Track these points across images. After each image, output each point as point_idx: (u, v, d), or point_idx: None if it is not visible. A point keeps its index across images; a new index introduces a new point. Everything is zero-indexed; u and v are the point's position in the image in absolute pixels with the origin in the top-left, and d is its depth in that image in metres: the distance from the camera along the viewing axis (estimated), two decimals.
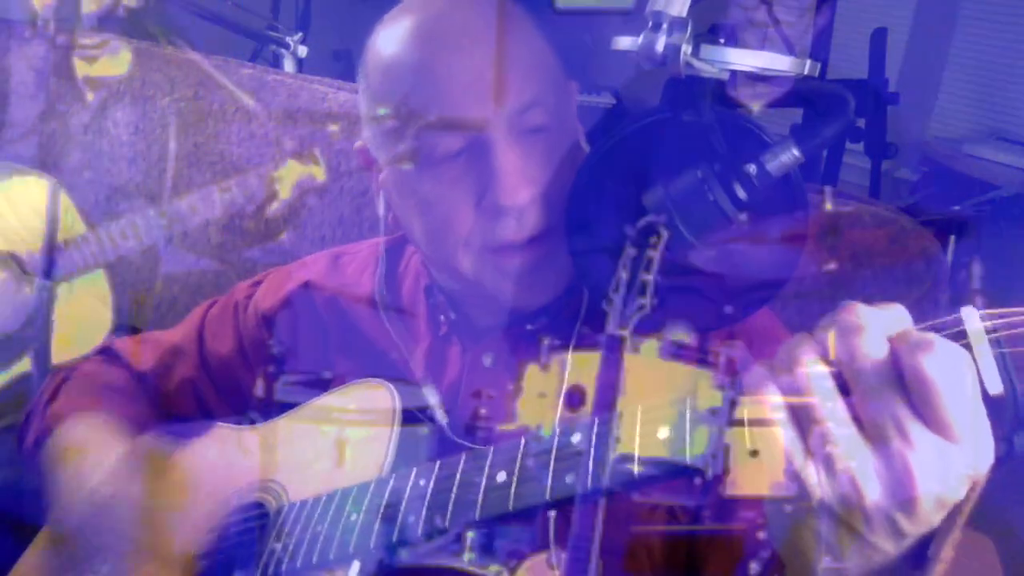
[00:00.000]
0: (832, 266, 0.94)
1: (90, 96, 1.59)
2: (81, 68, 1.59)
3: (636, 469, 0.55)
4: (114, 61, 1.61)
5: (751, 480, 0.50)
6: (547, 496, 0.61)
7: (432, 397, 0.83)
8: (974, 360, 0.48)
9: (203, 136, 1.53)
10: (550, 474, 0.62)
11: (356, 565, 0.71)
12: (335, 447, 0.81)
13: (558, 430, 0.64)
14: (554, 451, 0.62)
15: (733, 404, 0.51)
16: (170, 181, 1.56)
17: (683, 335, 0.57)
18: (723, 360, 0.53)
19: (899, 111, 2.21)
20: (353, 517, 0.73)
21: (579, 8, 0.57)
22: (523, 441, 0.66)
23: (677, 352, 0.56)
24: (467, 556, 0.65)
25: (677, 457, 0.53)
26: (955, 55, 2.99)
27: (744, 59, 0.58)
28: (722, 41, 0.58)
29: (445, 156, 0.76)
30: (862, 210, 1.05)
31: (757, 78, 0.56)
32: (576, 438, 0.61)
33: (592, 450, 0.57)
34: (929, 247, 1.02)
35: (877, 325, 0.49)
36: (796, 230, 0.63)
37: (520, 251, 0.77)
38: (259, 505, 0.83)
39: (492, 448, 0.68)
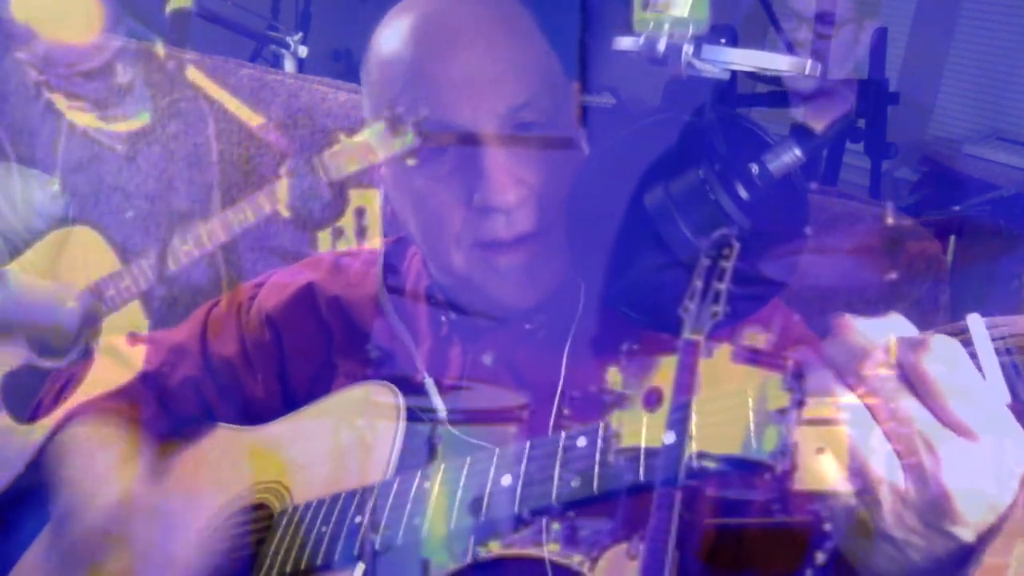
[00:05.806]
0: (893, 275, 0.96)
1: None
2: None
3: (711, 465, 0.58)
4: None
5: (817, 476, 0.53)
6: (553, 499, 0.64)
7: (435, 397, 0.83)
8: (979, 368, 0.48)
9: (203, 136, 1.53)
10: (556, 476, 0.63)
11: (360, 567, 0.71)
12: (339, 448, 0.81)
13: (565, 434, 0.66)
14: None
15: (800, 405, 0.54)
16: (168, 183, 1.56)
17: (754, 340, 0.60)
18: (791, 364, 0.56)
19: (899, 111, 2.20)
20: (358, 519, 0.74)
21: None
22: (528, 444, 0.67)
23: (747, 356, 0.58)
24: (551, 546, 0.68)
25: (749, 454, 0.57)
26: (955, 55, 2.98)
27: (745, 59, 0.58)
28: (723, 41, 0.58)
29: (437, 153, 0.77)
30: (862, 210, 1.05)
31: (812, 96, 0.58)
32: (583, 441, 0.64)
33: (669, 447, 0.58)
34: (929, 247, 1.02)
35: (876, 338, 0.50)
36: (797, 229, 0.64)
37: (509, 249, 0.78)
38: (263, 506, 0.83)
39: (497, 450, 0.69)
